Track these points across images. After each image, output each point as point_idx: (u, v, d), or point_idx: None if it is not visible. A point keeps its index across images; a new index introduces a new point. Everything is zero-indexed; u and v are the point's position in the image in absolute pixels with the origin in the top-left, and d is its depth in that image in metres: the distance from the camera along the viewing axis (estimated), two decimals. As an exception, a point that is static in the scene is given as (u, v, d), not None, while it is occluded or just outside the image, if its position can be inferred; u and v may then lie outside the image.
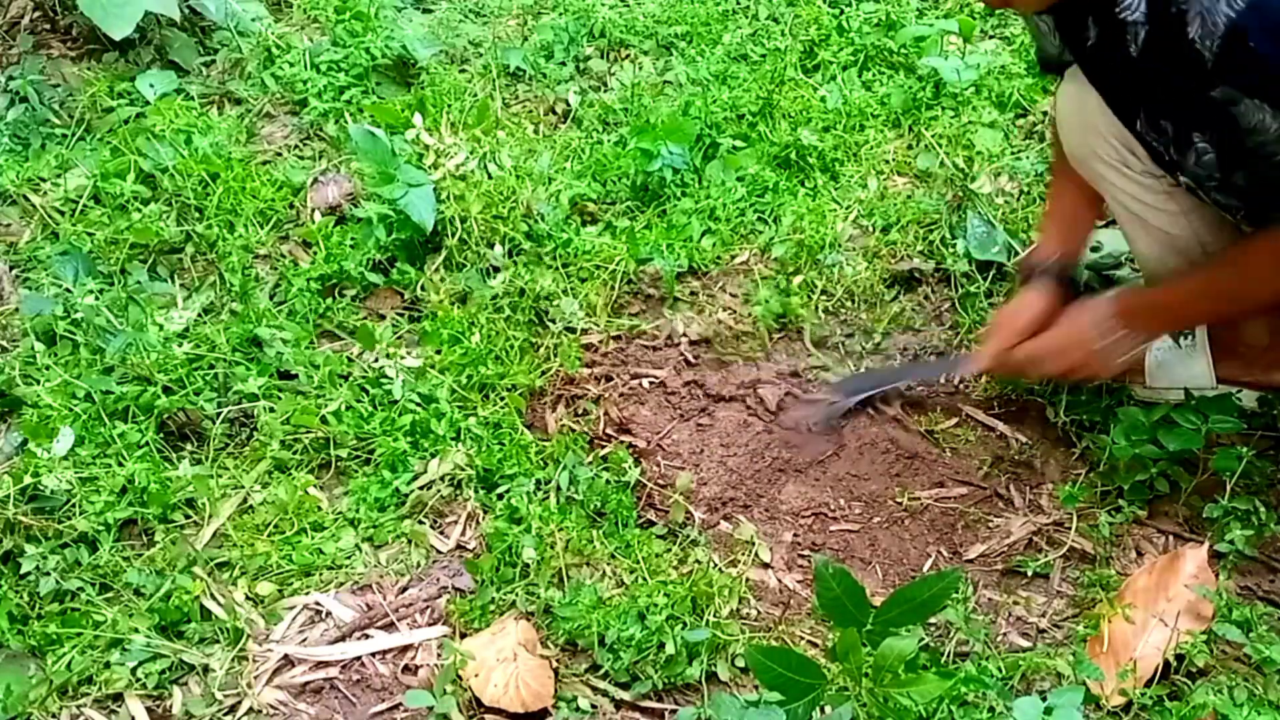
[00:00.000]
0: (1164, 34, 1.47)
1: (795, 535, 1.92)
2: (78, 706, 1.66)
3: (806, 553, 1.89)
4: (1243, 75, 1.43)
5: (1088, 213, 2.00)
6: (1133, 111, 1.66)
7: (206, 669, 1.70)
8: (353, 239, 2.32)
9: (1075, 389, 2.02)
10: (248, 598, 1.80)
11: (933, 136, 2.55)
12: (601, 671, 1.69)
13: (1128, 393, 2.02)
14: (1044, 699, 1.48)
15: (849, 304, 2.30)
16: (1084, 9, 1.56)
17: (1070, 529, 1.88)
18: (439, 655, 1.72)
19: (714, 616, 1.72)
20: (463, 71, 2.87)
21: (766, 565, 1.86)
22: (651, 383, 2.19)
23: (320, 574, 1.84)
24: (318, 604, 1.81)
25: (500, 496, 1.92)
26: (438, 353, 2.14)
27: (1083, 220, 2.01)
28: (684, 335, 2.27)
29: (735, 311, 2.31)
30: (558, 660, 1.70)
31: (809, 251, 2.33)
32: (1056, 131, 1.96)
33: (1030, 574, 1.82)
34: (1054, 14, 1.70)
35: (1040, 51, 1.96)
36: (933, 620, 1.69)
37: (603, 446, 2.04)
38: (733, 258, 2.40)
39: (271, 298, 2.27)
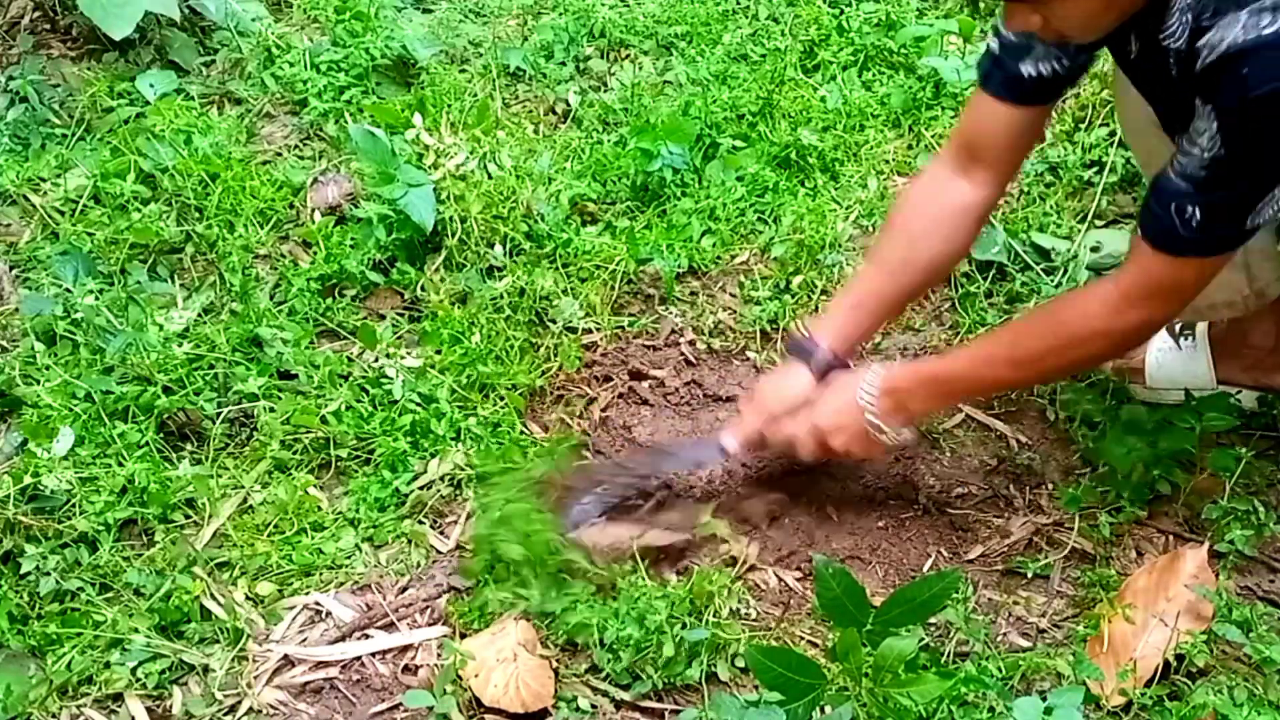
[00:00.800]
0: (1189, 57, 1.43)
1: (795, 535, 1.92)
2: (78, 706, 1.66)
3: (806, 553, 1.89)
4: (1214, 91, 1.40)
5: (881, 314, 1.89)
6: (1172, 127, 1.64)
7: (206, 669, 1.70)
8: (353, 239, 2.32)
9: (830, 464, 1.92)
10: (248, 598, 1.80)
11: (932, 136, 2.55)
12: (602, 672, 1.69)
13: (1128, 394, 2.02)
14: (1044, 699, 1.48)
15: (849, 304, 2.30)
16: (1126, 27, 1.52)
17: (1070, 529, 1.88)
18: (439, 655, 1.72)
19: (714, 617, 1.72)
20: (463, 71, 2.88)
21: (766, 565, 1.86)
22: (651, 383, 2.19)
23: (320, 574, 1.84)
24: (318, 604, 1.81)
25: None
26: (438, 353, 2.14)
27: (873, 320, 1.90)
28: (684, 335, 2.27)
29: (735, 311, 2.31)
30: (558, 660, 1.70)
31: (809, 251, 2.33)
32: (894, 211, 1.88)
33: (1030, 574, 1.82)
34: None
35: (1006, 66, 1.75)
36: (933, 620, 1.69)
37: (601, 446, 2.04)
38: (733, 258, 2.40)
39: (271, 298, 2.27)
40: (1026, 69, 1.70)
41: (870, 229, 2.40)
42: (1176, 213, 1.49)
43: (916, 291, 1.94)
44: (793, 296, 2.29)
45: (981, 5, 2.87)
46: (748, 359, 2.23)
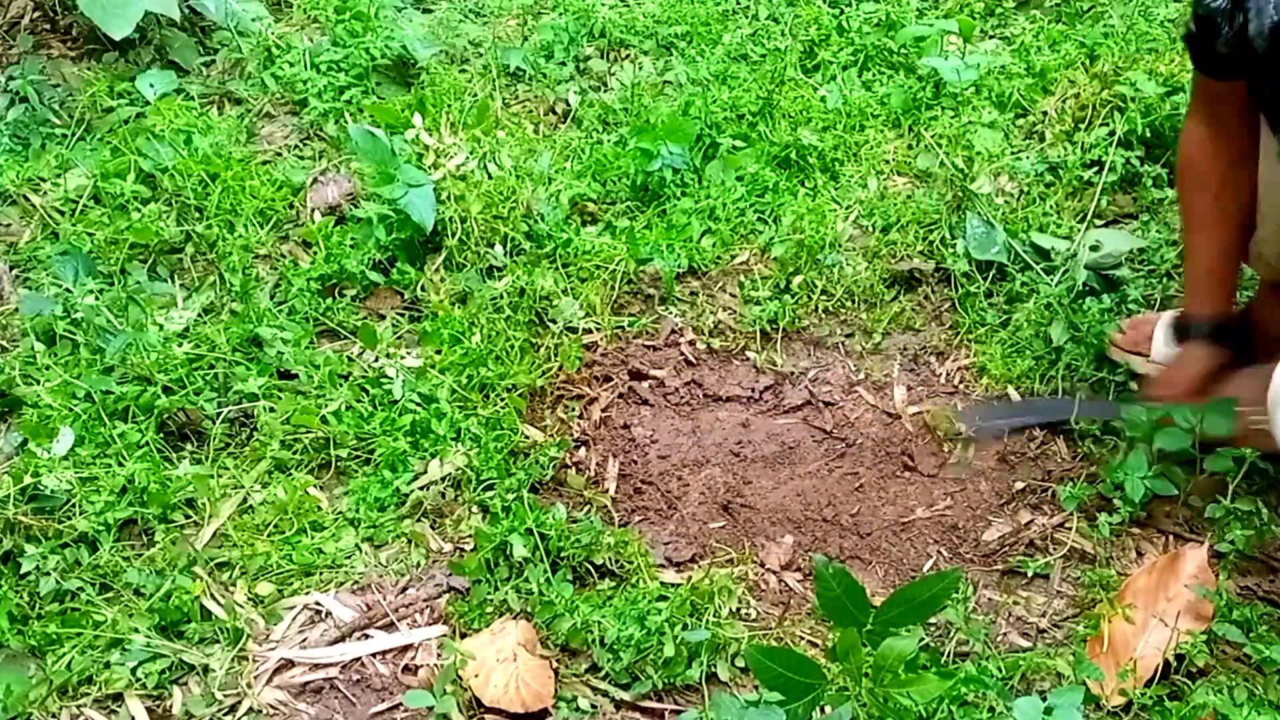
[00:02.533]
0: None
1: (795, 535, 1.92)
2: (78, 706, 1.66)
3: (807, 553, 1.89)
4: None
5: (1232, 267, 1.92)
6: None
7: (206, 669, 1.70)
8: (353, 239, 2.32)
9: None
10: (248, 598, 1.80)
11: (932, 136, 2.55)
12: (601, 672, 1.69)
13: (1129, 394, 2.02)
14: (1044, 699, 1.48)
15: (849, 304, 2.30)
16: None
17: (1070, 529, 1.88)
18: (439, 655, 1.72)
19: (714, 617, 1.72)
20: (463, 71, 2.87)
21: (766, 565, 1.86)
22: (651, 383, 2.19)
23: (320, 574, 1.84)
24: (318, 604, 1.81)
25: (492, 495, 1.92)
26: (438, 353, 2.14)
27: (1228, 275, 1.92)
28: (684, 335, 2.27)
29: (735, 311, 2.31)
30: (558, 660, 1.70)
31: (809, 251, 2.33)
32: (1185, 175, 1.90)
33: (1030, 574, 1.82)
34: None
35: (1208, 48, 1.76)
36: (933, 620, 1.69)
37: (599, 445, 2.04)
38: (732, 257, 2.40)
39: (271, 298, 2.27)
40: (1220, 47, 1.71)
41: (870, 229, 2.40)
42: None
43: (1243, 233, 1.91)
44: (793, 296, 2.29)
45: None
46: (748, 359, 2.23)
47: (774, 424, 2.11)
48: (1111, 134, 2.44)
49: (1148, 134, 2.43)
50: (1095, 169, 2.42)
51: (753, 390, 2.17)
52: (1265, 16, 1.51)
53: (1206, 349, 1.90)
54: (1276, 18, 1.50)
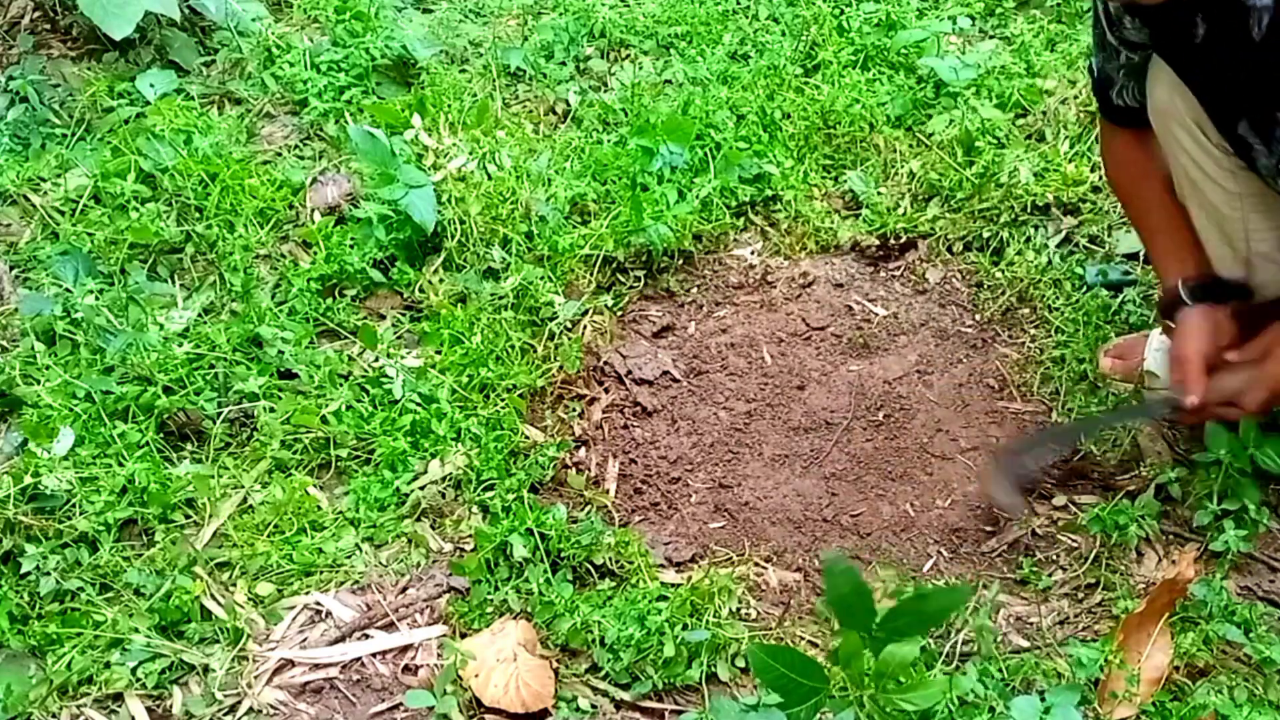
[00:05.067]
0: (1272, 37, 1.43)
1: (797, 535, 1.92)
2: (78, 706, 1.66)
3: (807, 553, 1.89)
4: None
5: (1189, 229, 1.85)
6: (1238, 112, 1.62)
7: (206, 669, 1.70)
8: (353, 239, 2.32)
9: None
10: (248, 598, 1.80)
11: (930, 136, 2.55)
12: (601, 672, 1.69)
13: (1127, 396, 2.02)
14: (1043, 699, 1.48)
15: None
16: (1194, 5, 1.51)
17: (1071, 529, 1.88)
18: (439, 655, 1.72)
19: (714, 617, 1.72)
20: (463, 71, 2.87)
21: (767, 564, 1.86)
22: (651, 383, 2.19)
23: (320, 574, 1.84)
24: (318, 604, 1.81)
25: (492, 495, 1.92)
26: (438, 353, 2.14)
27: (1196, 240, 1.84)
28: (685, 332, 2.27)
29: (736, 308, 2.31)
30: (558, 660, 1.70)
31: (809, 251, 2.33)
32: (1126, 177, 1.90)
33: (1030, 574, 1.82)
34: (1158, 13, 1.59)
35: (1105, 76, 1.81)
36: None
37: (597, 445, 2.04)
38: (730, 249, 2.40)
39: (272, 297, 2.27)
40: (1115, 99, 1.79)
41: (870, 229, 2.41)
42: None
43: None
44: (793, 295, 2.29)
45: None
46: (748, 356, 2.23)
47: (775, 422, 2.11)
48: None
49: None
50: (1095, 171, 2.42)
51: (754, 389, 2.17)
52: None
53: (1197, 312, 1.79)
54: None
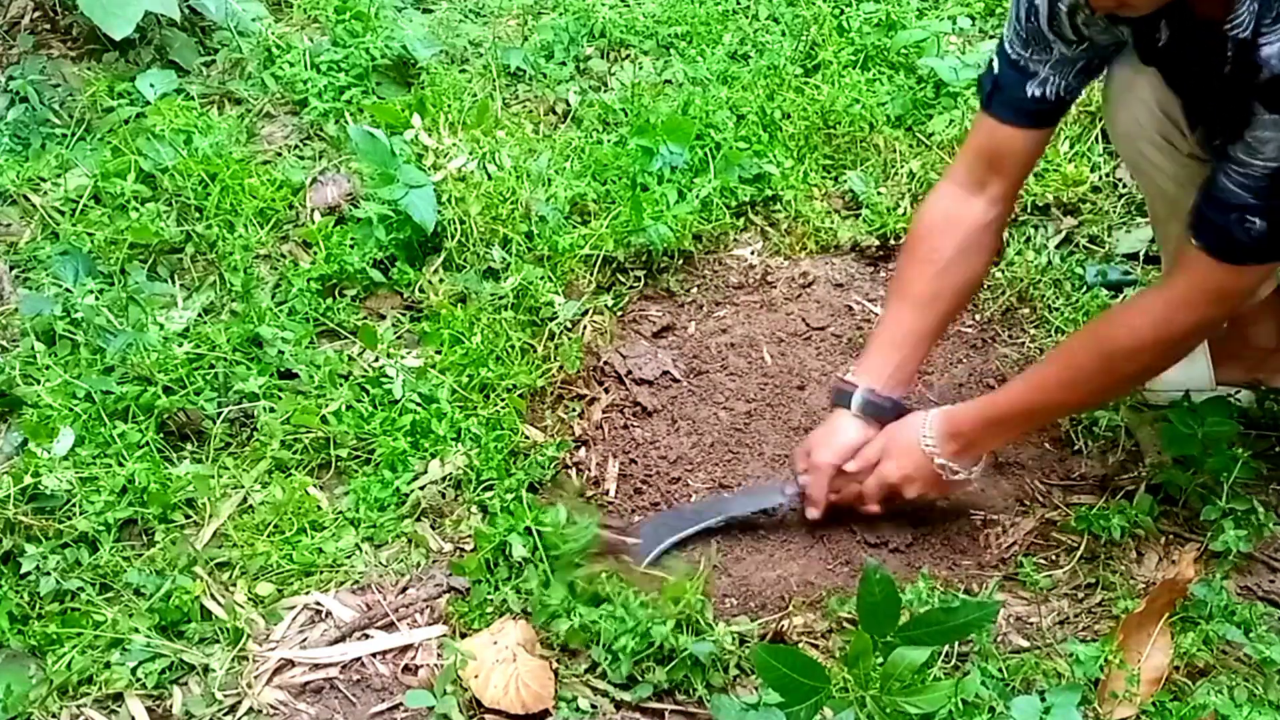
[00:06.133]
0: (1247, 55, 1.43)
1: (797, 535, 1.92)
2: (78, 706, 1.66)
3: (807, 553, 1.89)
4: None
5: (920, 348, 1.87)
6: (1200, 117, 1.63)
7: (206, 669, 1.69)
8: (353, 239, 2.32)
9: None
10: (248, 598, 1.80)
11: (930, 136, 2.55)
12: (600, 671, 1.69)
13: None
14: (1043, 699, 1.48)
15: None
16: (1158, 11, 1.50)
17: (1071, 529, 1.88)
18: (439, 655, 1.72)
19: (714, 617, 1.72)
20: (463, 71, 2.88)
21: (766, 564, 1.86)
22: (651, 383, 2.19)
23: (320, 574, 1.84)
24: (318, 604, 1.81)
25: (492, 495, 1.92)
26: (438, 353, 2.14)
27: (914, 355, 1.87)
28: (685, 332, 2.28)
29: (735, 307, 2.31)
30: (558, 660, 1.70)
31: (809, 250, 2.33)
32: (913, 245, 1.86)
33: (1031, 574, 1.82)
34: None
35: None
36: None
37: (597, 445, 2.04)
38: (730, 249, 2.40)
39: (272, 298, 2.27)
40: (1031, 90, 1.71)
41: (870, 229, 2.40)
42: (1238, 222, 1.49)
43: (949, 318, 1.91)
44: (793, 295, 2.29)
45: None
46: (748, 356, 2.23)
47: (775, 422, 2.11)
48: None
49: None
50: (1095, 171, 2.42)
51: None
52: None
53: (857, 420, 1.84)
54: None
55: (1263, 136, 1.43)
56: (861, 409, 1.84)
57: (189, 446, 2.03)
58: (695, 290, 2.38)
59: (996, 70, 1.73)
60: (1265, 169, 1.44)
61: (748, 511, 1.92)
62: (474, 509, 1.92)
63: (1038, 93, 1.71)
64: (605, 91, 2.83)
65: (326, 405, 2.03)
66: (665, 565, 1.83)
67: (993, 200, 1.80)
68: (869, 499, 1.85)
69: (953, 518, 1.93)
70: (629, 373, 2.20)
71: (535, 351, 2.18)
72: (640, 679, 1.66)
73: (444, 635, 1.75)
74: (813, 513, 1.87)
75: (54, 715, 1.65)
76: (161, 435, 2.00)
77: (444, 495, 1.94)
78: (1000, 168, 1.79)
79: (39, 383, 2.06)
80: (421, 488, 1.94)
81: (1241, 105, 1.44)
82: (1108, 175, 2.47)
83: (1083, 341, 1.74)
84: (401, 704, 1.65)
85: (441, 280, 2.30)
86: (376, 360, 2.13)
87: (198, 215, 2.41)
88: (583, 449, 2.08)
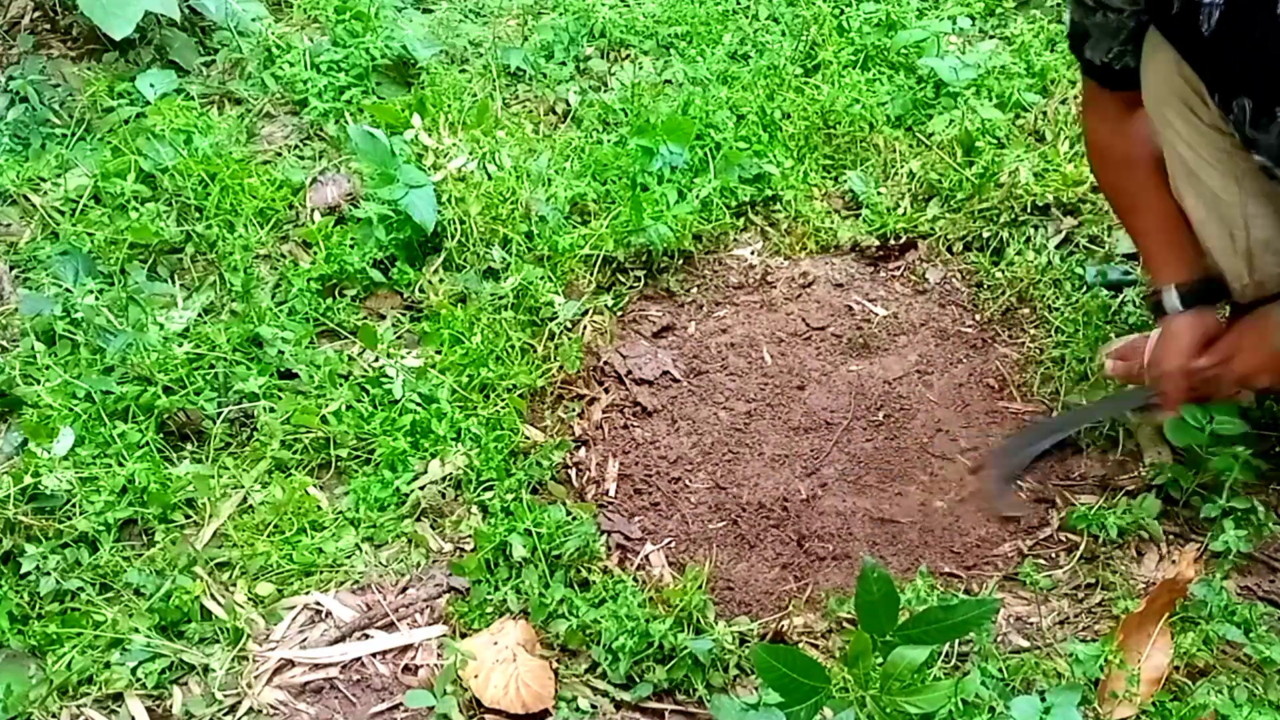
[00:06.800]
0: (1244, 12, 1.44)
1: (798, 536, 1.92)
2: (78, 706, 1.66)
3: (802, 553, 1.89)
4: None
5: (1181, 223, 1.85)
6: (1211, 86, 1.63)
7: (206, 669, 1.70)
8: (353, 239, 2.32)
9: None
10: (248, 598, 1.80)
11: (930, 136, 2.55)
12: (600, 671, 1.69)
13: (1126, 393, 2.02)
14: (1043, 699, 1.48)
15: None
16: None
17: (1071, 529, 1.88)
18: (439, 655, 1.72)
19: (714, 618, 1.72)
20: (463, 71, 2.87)
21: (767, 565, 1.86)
22: (651, 383, 2.19)
23: (320, 574, 1.84)
24: (318, 604, 1.81)
25: (492, 496, 1.92)
26: (438, 353, 2.14)
27: (1184, 239, 1.85)
28: (685, 331, 2.27)
29: (735, 307, 2.31)
30: (558, 660, 1.70)
31: (809, 250, 2.33)
32: (1111, 167, 1.90)
33: (1031, 574, 1.82)
34: None
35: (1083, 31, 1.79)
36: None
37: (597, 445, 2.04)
38: (730, 249, 2.40)
39: (272, 298, 2.27)
40: (1088, 54, 1.76)
41: (870, 229, 2.41)
42: None
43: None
44: (793, 295, 2.29)
45: None
46: (748, 356, 2.23)
47: (775, 422, 2.11)
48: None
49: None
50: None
51: (753, 388, 2.17)
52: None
53: (1186, 317, 1.84)
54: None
55: None
56: (1182, 301, 1.84)
57: (189, 446, 2.03)
58: (695, 290, 2.38)
59: (1068, 26, 1.78)
60: None
61: (1107, 416, 1.97)
62: (474, 509, 1.92)
63: (1092, 57, 1.76)
64: (605, 91, 2.83)
65: (326, 405, 2.03)
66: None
67: (1131, 106, 1.81)
68: (1224, 392, 1.84)
69: (951, 516, 1.93)
70: (629, 373, 2.20)
71: (535, 351, 2.18)
72: (640, 679, 1.66)
73: (444, 635, 1.75)
74: (1169, 414, 1.86)
75: (54, 715, 1.65)
76: (161, 435, 2.01)
77: (444, 495, 1.94)
78: (1110, 102, 1.83)
79: (39, 383, 2.06)
80: (421, 488, 1.94)
81: (1234, 62, 1.46)
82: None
83: None
84: (401, 704, 1.65)
85: (441, 280, 2.30)
86: (376, 360, 2.13)
87: (198, 215, 2.41)
88: (583, 449, 2.08)
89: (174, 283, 2.34)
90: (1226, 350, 1.81)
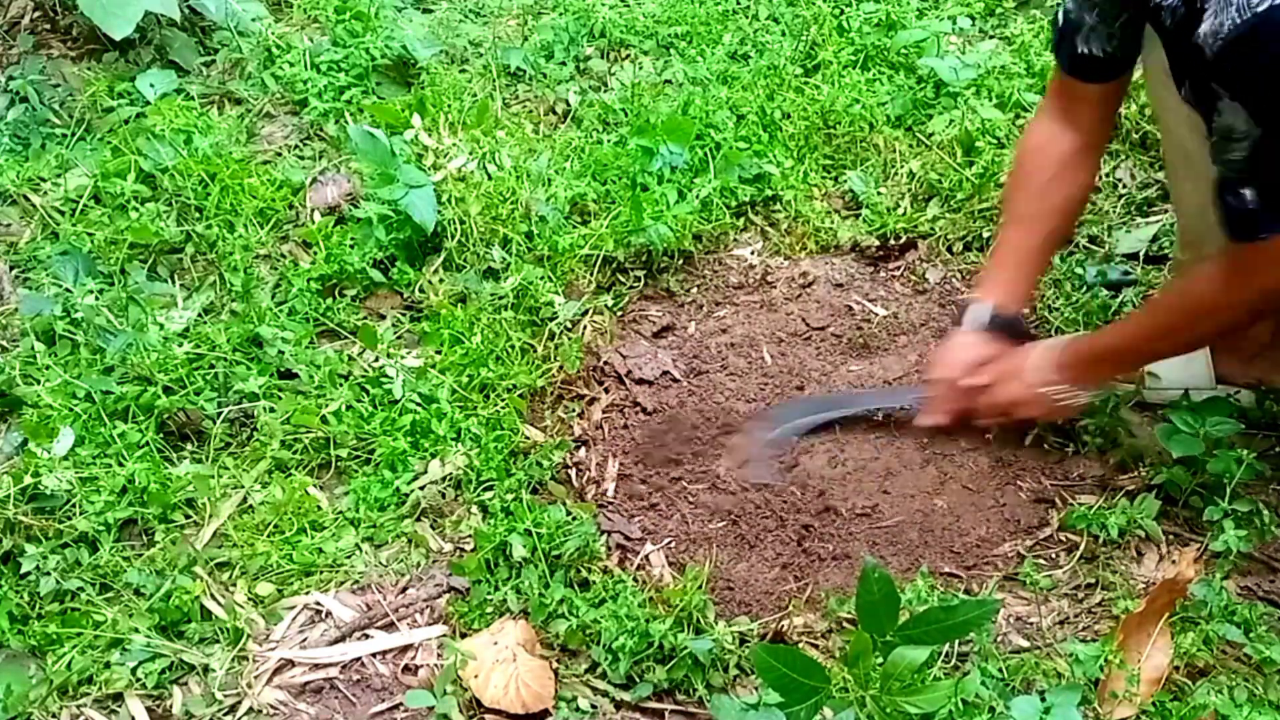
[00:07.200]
0: (1187, 21, 1.48)
1: (798, 536, 1.92)
2: (78, 706, 1.66)
3: (800, 554, 1.89)
4: (1233, 79, 1.44)
5: (1039, 260, 1.97)
6: (1177, 76, 1.65)
7: (206, 669, 1.70)
8: (353, 239, 2.32)
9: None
10: (248, 598, 1.80)
11: (930, 136, 2.55)
12: (600, 671, 1.69)
13: (1128, 396, 2.02)
14: (1043, 699, 1.48)
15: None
16: None
17: (1071, 529, 1.88)
18: (439, 655, 1.72)
19: (714, 618, 1.72)
20: (463, 71, 2.88)
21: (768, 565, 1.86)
22: (651, 383, 2.19)
23: (320, 574, 1.84)
24: (318, 604, 1.81)
25: (492, 496, 1.92)
26: (438, 353, 2.14)
27: (1030, 270, 1.96)
28: (686, 331, 2.27)
29: (735, 307, 2.31)
30: (558, 660, 1.70)
31: (809, 250, 2.33)
32: (1016, 169, 1.96)
33: (1030, 574, 1.82)
34: None
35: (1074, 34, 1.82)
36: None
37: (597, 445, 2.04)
38: (730, 249, 2.40)
39: (272, 298, 2.27)
40: (1081, 47, 1.77)
41: (870, 229, 2.40)
42: (1237, 202, 1.53)
43: (1056, 236, 1.99)
44: (793, 295, 2.29)
45: None
46: (748, 356, 2.23)
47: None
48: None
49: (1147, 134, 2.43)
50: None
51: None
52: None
53: (975, 335, 1.92)
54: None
55: (1235, 125, 1.47)
56: (979, 325, 1.92)
57: (189, 446, 2.03)
58: (695, 290, 2.38)
59: (1060, 20, 1.80)
60: (1242, 151, 1.48)
61: (877, 408, 2.05)
62: (474, 509, 1.92)
63: (1084, 49, 1.77)
64: (605, 91, 2.83)
65: (326, 405, 2.03)
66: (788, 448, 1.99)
67: (1082, 130, 1.86)
68: (983, 415, 1.95)
69: (951, 515, 1.93)
70: (629, 373, 2.20)
71: (535, 351, 2.18)
72: (640, 679, 1.66)
73: (444, 635, 1.75)
74: (926, 420, 1.98)
75: (54, 715, 1.65)
76: (161, 435, 2.01)
77: (444, 495, 1.94)
78: (1079, 107, 1.86)
79: (39, 383, 2.06)
80: (421, 488, 1.94)
81: (1203, 81, 1.48)
82: (1107, 175, 2.46)
83: (1167, 298, 1.87)
84: (401, 704, 1.66)
85: (441, 280, 2.30)
86: (376, 360, 2.13)
87: (198, 215, 2.41)
88: (583, 449, 2.08)
89: (174, 283, 2.34)
90: (991, 376, 1.90)
